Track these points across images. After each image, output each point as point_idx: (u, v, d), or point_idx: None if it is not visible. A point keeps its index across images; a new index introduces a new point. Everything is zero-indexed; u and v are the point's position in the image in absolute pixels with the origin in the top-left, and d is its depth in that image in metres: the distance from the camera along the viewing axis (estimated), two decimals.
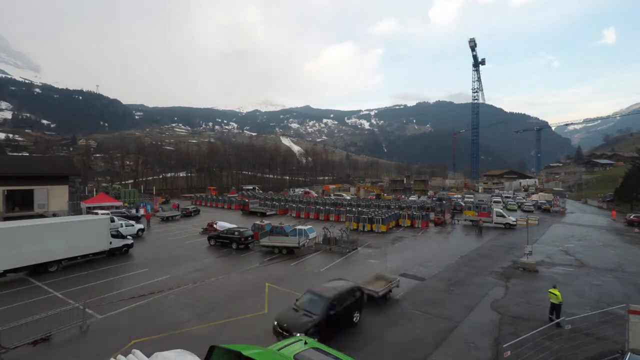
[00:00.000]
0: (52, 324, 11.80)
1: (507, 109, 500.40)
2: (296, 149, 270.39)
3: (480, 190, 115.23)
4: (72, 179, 40.34)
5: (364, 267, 21.70)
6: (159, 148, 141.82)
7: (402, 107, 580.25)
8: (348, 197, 72.84)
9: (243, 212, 49.81)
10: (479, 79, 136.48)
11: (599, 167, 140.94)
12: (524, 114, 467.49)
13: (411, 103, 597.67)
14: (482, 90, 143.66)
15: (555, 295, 13.26)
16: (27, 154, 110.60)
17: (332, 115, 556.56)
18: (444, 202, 59.14)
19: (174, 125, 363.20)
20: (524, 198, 75.14)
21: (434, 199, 70.43)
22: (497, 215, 38.51)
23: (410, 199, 72.17)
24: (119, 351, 9.93)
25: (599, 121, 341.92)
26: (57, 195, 36.59)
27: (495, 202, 61.47)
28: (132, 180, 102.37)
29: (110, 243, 22.96)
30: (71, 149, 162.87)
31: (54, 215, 32.94)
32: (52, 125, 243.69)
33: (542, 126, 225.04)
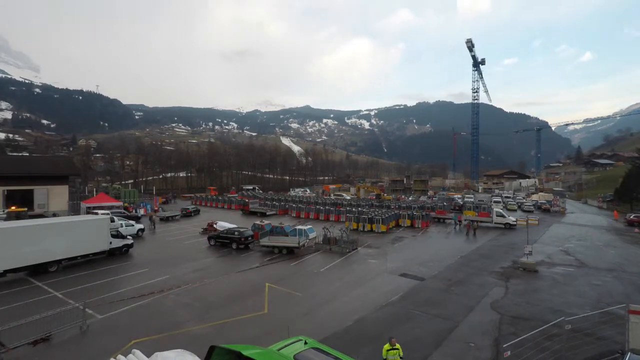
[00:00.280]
0: (52, 324, 11.79)
1: (507, 109, 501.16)
2: (296, 149, 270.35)
3: (480, 190, 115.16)
4: (72, 179, 40.41)
5: (364, 267, 21.71)
6: (159, 148, 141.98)
7: (402, 107, 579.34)
8: (348, 197, 72.90)
9: (243, 212, 49.85)
10: (480, 79, 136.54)
11: (599, 167, 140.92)
12: (524, 114, 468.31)
13: (411, 103, 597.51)
14: (486, 90, 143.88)
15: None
16: (27, 154, 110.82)
17: (332, 115, 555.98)
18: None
19: (174, 125, 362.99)
20: (523, 198, 75.18)
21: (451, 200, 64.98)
22: (497, 215, 38.56)
23: (421, 198, 71.14)
24: (119, 351, 9.92)
25: (599, 121, 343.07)
26: (57, 195, 36.66)
27: (495, 202, 61.46)
28: (132, 180, 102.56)
29: (110, 243, 22.94)
30: (71, 149, 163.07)
31: (54, 215, 32.96)
32: (52, 125, 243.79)
33: (542, 126, 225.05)
